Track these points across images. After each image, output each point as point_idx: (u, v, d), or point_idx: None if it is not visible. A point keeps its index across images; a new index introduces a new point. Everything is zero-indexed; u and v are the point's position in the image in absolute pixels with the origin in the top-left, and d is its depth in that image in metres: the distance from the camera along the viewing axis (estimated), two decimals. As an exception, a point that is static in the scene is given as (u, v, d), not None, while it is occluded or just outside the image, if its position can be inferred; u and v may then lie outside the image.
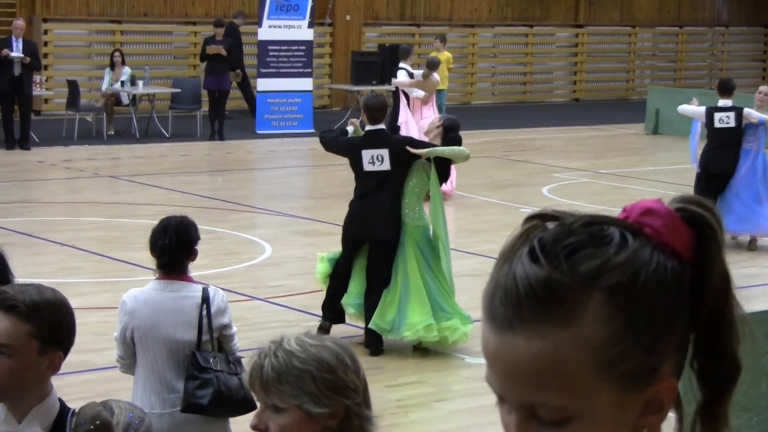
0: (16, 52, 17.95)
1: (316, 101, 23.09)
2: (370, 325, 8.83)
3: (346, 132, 9.17)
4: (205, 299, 5.40)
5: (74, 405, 3.02)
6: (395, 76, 16.89)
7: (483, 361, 1.25)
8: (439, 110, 17.45)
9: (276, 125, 21.32)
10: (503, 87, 28.15)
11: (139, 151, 18.93)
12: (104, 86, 20.43)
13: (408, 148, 8.83)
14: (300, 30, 21.28)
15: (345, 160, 9.20)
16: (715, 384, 1.29)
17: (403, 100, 16.40)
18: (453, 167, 13.85)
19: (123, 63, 20.40)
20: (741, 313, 1.28)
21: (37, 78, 19.04)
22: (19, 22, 18.54)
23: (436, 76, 16.62)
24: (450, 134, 9.07)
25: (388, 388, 8.14)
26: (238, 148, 19.81)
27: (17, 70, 18.01)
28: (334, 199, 13.82)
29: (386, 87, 21.48)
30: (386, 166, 8.84)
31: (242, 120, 22.14)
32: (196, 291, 5.42)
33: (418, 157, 8.83)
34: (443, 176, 9.04)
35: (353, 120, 9.30)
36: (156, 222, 5.56)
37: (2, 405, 2.99)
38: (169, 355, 5.36)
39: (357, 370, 2.68)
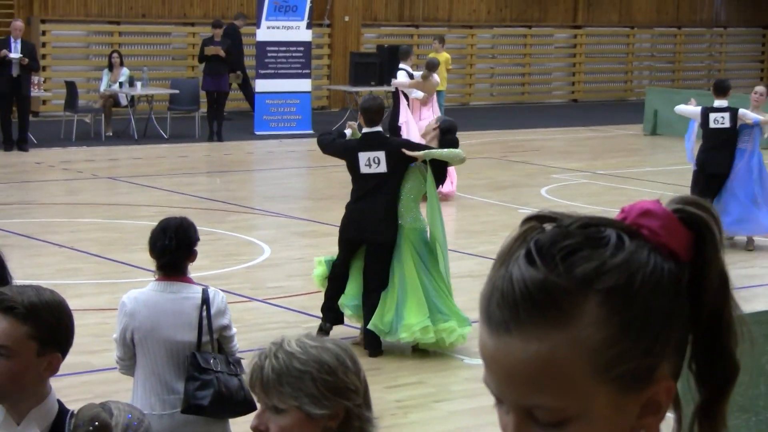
0: (15, 53, 17.95)
1: (314, 102, 23.09)
2: (369, 326, 8.84)
3: (344, 135, 9.18)
4: (205, 300, 5.40)
5: (73, 406, 3.02)
6: (395, 77, 16.90)
7: (482, 362, 1.26)
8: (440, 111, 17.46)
9: (275, 126, 21.32)
10: (502, 88, 28.16)
11: (138, 153, 18.93)
12: (102, 87, 20.43)
13: (404, 150, 8.85)
14: (298, 31, 21.28)
15: (343, 162, 9.21)
16: (714, 385, 1.29)
17: (403, 101, 16.41)
18: (453, 169, 13.93)
19: (121, 64, 20.40)
20: (739, 314, 1.28)
21: (35, 79, 19.03)
22: (18, 23, 18.54)
23: (435, 77, 16.63)
24: (447, 136, 9.08)
25: (387, 389, 8.14)
26: (237, 149, 19.81)
27: (15, 71, 18.01)
28: (333, 200, 13.81)
29: (385, 88, 21.48)
30: (383, 168, 8.86)
31: (241, 121, 22.14)
32: (196, 292, 5.42)
33: (414, 159, 8.84)
34: (440, 178, 9.06)
35: (351, 123, 9.31)
36: (155, 223, 5.56)
37: (1, 406, 2.99)
38: (169, 356, 5.36)
39: (357, 371, 2.69)
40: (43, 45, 22.20)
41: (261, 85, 21.27)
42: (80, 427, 2.86)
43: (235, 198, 15.22)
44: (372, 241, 8.88)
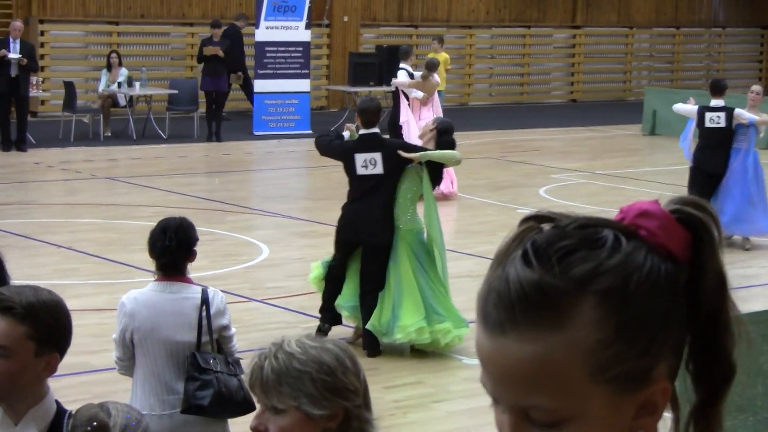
0: (14, 54, 17.95)
1: (313, 102, 23.08)
2: (367, 327, 8.85)
3: (342, 136, 9.19)
4: (205, 300, 5.40)
5: (71, 407, 3.02)
6: (396, 77, 16.91)
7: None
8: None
9: (273, 126, 21.32)
10: (501, 88, 28.16)
11: (136, 153, 18.92)
12: (101, 87, 20.42)
13: (400, 152, 8.86)
14: (297, 31, 21.27)
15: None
16: (710, 385, 1.28)
17: (403, 100, 16.43)
18: (452, 168, 13.93)
19: (120, 64, 20.39)
20: (737, 314, 1.28)
21: (33, 79, 19.03)
22: (17, 24, 18.53)
23: (436, 77, 16.65)
24: (443, 137, 9.10)
25: (385, 390, 8.14)
26: (236, 149, 19.80)
27: (14, 72, 18.00)
28: (332, 201, 13.80)
29: (384, 88, 21.49)
30: (379, 169, 8.87)
31: (239, 121, 22.14)
32: (195, 292, 5.42)
33: (410, 161, 8.86)
34: (436, 180, 9.08)
35: (350, 125, 9.32)
36: (154, 224, 5.56)
37: (-1, 407, 2.99)
38: (168, 356, 5.36)
39: (357, 372, 2.68)
40: (42, 45, 22.19)
41: (260, 86, 21.27)
42: (78, 428, 2.86)
43: (234, 198, 15.22)
44: (368, 242, 8.89)
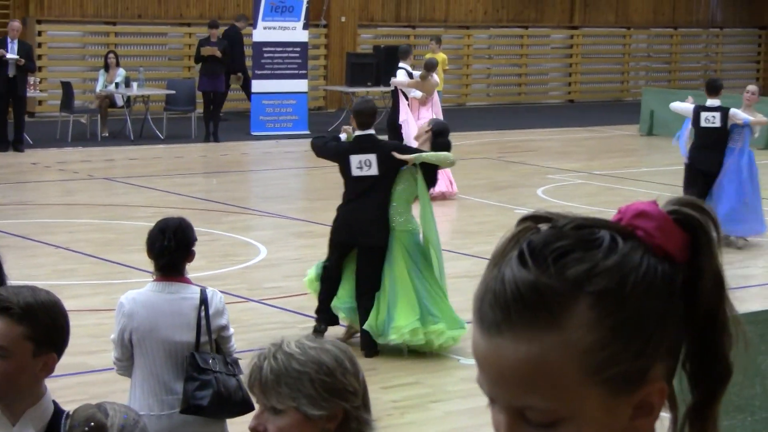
0: (11, 54, 17.94)
1: (311, 103, 23.08)
2: (365, 327, 8.86)
3: (339, 138, 9.20)
4: (204, 300, 5.40)
5: (69, 407, 3.02)
6: (395, 76, 16.92)
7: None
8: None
9: (271, 127, 21.31)
10: (498, 88, 28.17)
11: (134, 153, 18.92)
12: (98, 88, 20.41)
13: (394, 153, 8.88)
14: (295, 31, 21.27)
15: (339, 163, 9.23)
16: (707, 386, 1.28)
17: (403, 100, 16.45)
18: (449, 169, 13.92)
19: (117, 64, 20.38)
20: (734, 315, 1.28)
21: (31, 79, 19.02)
22: (15, 24, 18.53)
23: (435, 77, 16.67)
24: (439, 139, 9.13)
25: (383, 390, 8.14)
26: (233, 149, 19.80)
27: (11, 72, 18.00)
28: (330, 201, 13.80)
29: (381, 88, 21.49)
30: (374, 171, 8.89)
31: (237, 121, 22.13)
32: (194, 292, 5.43)
33: (405, 162, 8.88)
34: (430, 181, 9.10)
35: (346, 127, 9.33)
36: (151, 224, 5.56)
37: (-4, 407, 2.99)
38: (167, 356, 5.36)
39: (356, 373, 2.68)
40: (39, 45, 22.18)
41: (257, 86, 21.26)
42: (76, 428, 2.86)
43: (232, 198, 15.22)
44: (364, 244, 8.92)
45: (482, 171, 17.85)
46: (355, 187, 8.96)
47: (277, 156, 19.50)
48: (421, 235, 9.02)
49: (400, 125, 15.99)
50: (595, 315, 1.21)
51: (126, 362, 5.43)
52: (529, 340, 1.20)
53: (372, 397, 2.75)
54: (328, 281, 9.06)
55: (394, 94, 16.96)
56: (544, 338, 1.20)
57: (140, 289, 5.48)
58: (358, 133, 9.03)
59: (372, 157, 8.89)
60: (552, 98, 28.96)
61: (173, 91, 20.99)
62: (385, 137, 14.72)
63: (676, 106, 13.57)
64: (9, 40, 18.08)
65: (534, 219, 1.28)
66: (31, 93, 19.14)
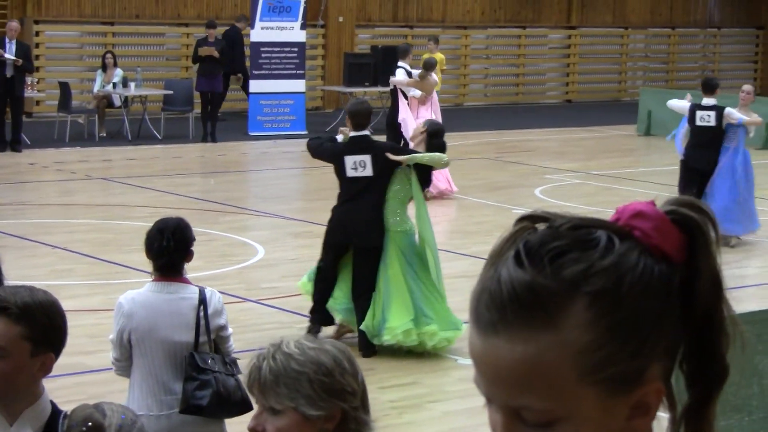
0: (9, 54, 17.93)
1: (308, 103, 23.08)
2: (362, 327, 8.86)
3: (335, 139, 9.22)
4: (202, 300, 5.40)
5: (66, 407, 3.02)
6: (394, 75, 16.93)
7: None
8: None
9: (269, 127, 21.31)
10: (496, 89, 28.17)
11: (132, 153, 18.91)
12: (96, 88, 20.40)
13: (388, 154, 8.90)
14: (292, 31, 21.27)
15: (335, 164, 9.24)
16: (703, 386, 1.28)
17: (402, 99, 16.46)
18: (446, 169, 13.92)
19: (115, 65, 20.38)
20: (732, 315, 1.28)
21: (29, 80, 19.01)
22: (13, 24, 18.53)
23: (434, 76, 16.69)
24: (434, 140, 9.15)
25: (381, 390, 8.14)
26: (231, 149, 19.80)
27: (9, 72, 17.99)
28: (328, 201, 13.78)
29: (379, 89, 21.50)
30: (369, 171, 8.91)
31: (235, 122, 22.13)
32: (193, 292, 5.43)
33: (399, 163, 8.90)
34: (424, 182, 9.12)
35: (343, 128, 9.34)
36: (149, 224, 5.55)
37: (-6, 407, 2.98)
38: (166, 356, 5.36)
39: (355, 373, 2.68)
40: (37, 45, 22.16)
41: (255, 86, 21.26)
42: (73, 428, 2.86)
43: (229, 199, 15.21)
44: (359, 244, 8.93)
45: (480, 171, 17.85)
46: (350, 187, 8.98)
47: (274, 156, 19.50)
48: (416, 236, 9.03)
49: (399, 124, 16.00)
50: (592, 315, 1.21)
51: (125, 362, 5.43)
52: (526, 340, 1.20)
53: (370, 397, 2.75)
54: (322, 282, 9.07)
55: (394, 93, 16.96)
56: (540, 338, 1.20)
57: (139, 289, 5.48)
58: (353, 134, 9.05)
59: (367, 158, 8.91)
60: (549, 98, 28.97)
61: (171, 92, 20.99)
62: (383, 137, 14.75)
63: (674, 103, 13.62)
64: (7, 40, 18.07)
65: (531, 219, 1.28)
66: (28, 93, 19.13)
